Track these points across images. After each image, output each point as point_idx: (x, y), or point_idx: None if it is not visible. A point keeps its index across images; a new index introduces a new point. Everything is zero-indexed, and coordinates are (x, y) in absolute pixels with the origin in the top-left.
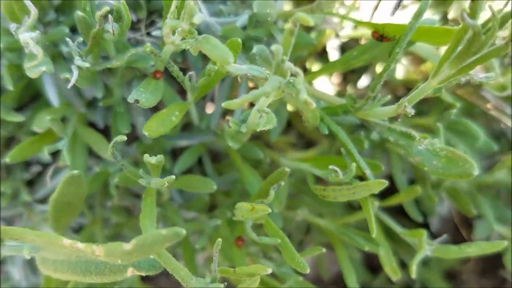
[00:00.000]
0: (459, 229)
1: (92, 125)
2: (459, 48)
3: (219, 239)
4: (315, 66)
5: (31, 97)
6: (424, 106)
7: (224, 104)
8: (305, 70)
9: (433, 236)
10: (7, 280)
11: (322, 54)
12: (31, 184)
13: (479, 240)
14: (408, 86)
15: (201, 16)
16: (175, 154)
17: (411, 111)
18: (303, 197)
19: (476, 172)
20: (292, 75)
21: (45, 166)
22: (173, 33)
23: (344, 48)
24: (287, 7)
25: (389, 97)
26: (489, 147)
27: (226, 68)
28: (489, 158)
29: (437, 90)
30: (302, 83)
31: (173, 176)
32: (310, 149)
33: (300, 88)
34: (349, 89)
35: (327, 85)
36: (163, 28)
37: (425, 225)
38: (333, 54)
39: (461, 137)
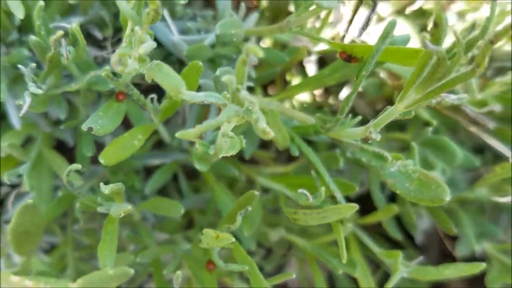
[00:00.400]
0: (444, 242)
1: (61, 142)
2: (425, 73)
3: (178, 272)
4: (295, 79)
5: None
6: (403, 120)
7: (178, 135)
8: (286, 83)
9: (418, 249)
10: None
11: (301, 66)
12: (0, 204)
13: (462, 255)
14: (387, 98)
15: (150, 44)
16: (149, 171)
17: (376, 137)
18: (283, 213)
19: (448, 197)
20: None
21: (14, 187)
22: (130, 57)
23: (323, 59)
24: (264, 24)
25: (359, 118)
26: (470, 162)
27: (181, 97)
28: (473, 170)
29: (406, 113)
30: (259, 112)
31: (129, 207)
32: (291, 162)
33: (257, 117)
34: (331, 100)
35: (307, 96)
36: (111, 57)
37: (411, 237)
38: (310, 68)
39: (439, 154)
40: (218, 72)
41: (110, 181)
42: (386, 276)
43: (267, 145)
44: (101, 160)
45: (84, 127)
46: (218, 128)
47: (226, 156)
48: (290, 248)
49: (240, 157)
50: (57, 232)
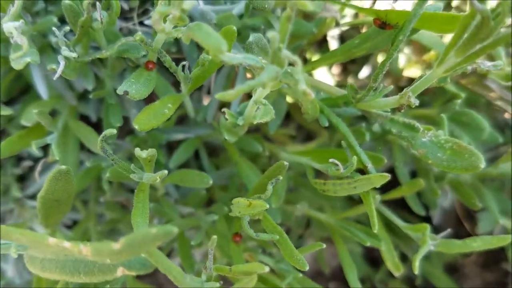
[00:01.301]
0: (462, 222)
1: (85, 118)
2: (466, 34)
3: (214, 236)
4: (315, 57)
5: (21, 90)
6: (426, 97)
7: (217, 96)
8: (305, 61)
9: (435, 229)
10: (0, 278)
11: (322, 44)
12: (22, 179)
13: (483, 233)
14: (410, 76)
15: (192, 2)
16: (171, 148)
17: (415, 102)
18: (303, 191)
19: (483, 165)
20: (290, 64)
21: (37, 160)
22: (164, 20)
23: (344, 38)
24: None
25: (391, 87)
26: (494, 138)
27: (220, 58)
28: (492, 150)
29: (442, 80)
30: (300, 73)
31: (166, 171)
32: (310, 141)
33: (298, 78)
34: (350, 80)
35: (327, 76)
36: (152, 15)
37: (427, 219)
38: (333, 44)
39: (465, 128)
40: (251, 38)
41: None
42: (402, 256)
43: (285, 126)
44: (135, 126)
45: (120, 90)
46: (247, 99)
47: (250, 132)
48: (307, 228)
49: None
50: (79, 208)
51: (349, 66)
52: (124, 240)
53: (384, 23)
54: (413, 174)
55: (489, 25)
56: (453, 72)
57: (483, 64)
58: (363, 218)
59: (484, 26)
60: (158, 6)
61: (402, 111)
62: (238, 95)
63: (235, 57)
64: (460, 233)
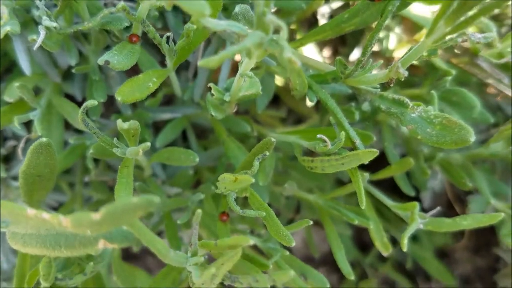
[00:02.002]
0: (453, 204)
1: (70, 97)
2: (455, 3)
3: (199, 211)
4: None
5: (6, 68)
6: (416, 78)
7: (200, 63)
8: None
9: (425, 212)
10: None
11: (311, 25)
12: (7, 160)
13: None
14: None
15: None
16: (157, 128)
17: (404, 73)
18: (291, 173)
19: (472, 138)
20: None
21: (21, 140)
22: None
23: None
24: None
25: (381, 62)
26: (485, 119)
27: (203, 23)
28: (483, 132)
29: (432, 52)
30: (285, 39)
31: (148, 144)
32: (300, 124)
33: (283, 45)
34: None
35: (317, 57)
36: None
37: (417, 200)
38: (323, 23)
39: (455, 107)
40: (237, 8)
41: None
42: (392, 240)
43: (275, 105)
44: (117, 97)
45: (101, 61)
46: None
47: (238, 112)
48: (297, 212)
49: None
50: (65, 189)
51: (340, 49)
52: (105, 210)
53: None
54: (403, 157)
55: None
56: (443, 44)
57: (474, 36)
58: (351, 201)
59: None
60: None
61: (392, 85)
62: (222, 61)
63: (219, 23)
64: (451, 216)
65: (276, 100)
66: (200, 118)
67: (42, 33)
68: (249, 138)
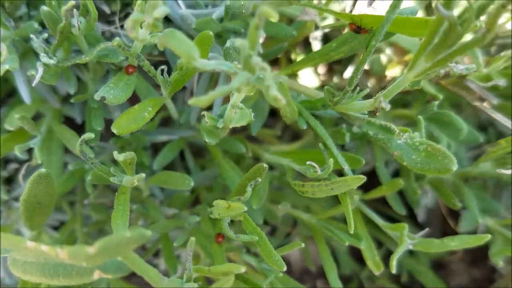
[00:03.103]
0: (447, 220)
1: (70, 120)
2: (435, 40)
3: (192, 238)
4: (300, 56)
5: (7, 93)
6: (408, 97)
7: (191, 101)
8: (290, 61)
9: (420, 226)
10: None
11: (307, 44)
12: (8, 182)
13: (464, 232)
14: (393, 76)
15: (164, 9)
16: (156, 149)
17: (386, 106)
18: (288, 190)
19: (455, 167)
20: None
21: (23, 163)
22: (141, 26)
23: (328, 37)
24: None
25: (367, 90)
26: (474, 138)
27: (193, 64)
28: (476, 148)
29: (415, 83)
30: (271, 79)
31: (143, 175)
32: (296, 141)
33: (269, 84)
34: (335, 80)
35: (311, 76)
36: (126, 22)
37: (413, 216)
38: (316, 45)
39: (444, 129)
40: (228, 43)
41: None
42: (388, 253)
43: (271, 125)
44: (114, 130)
45: (97, 96)
46: (227, 103)
47: (233, 133)
48: (295, 226)
49: (246, 136)
50: (65, 209)
51: (334, 66)
52: (99, 244)
53: (359, 27)
54: (397, 172)
55: (456, 31)
56: (425, 76)
57: (456, 67)
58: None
59: (451, 32)
60: (132, 14)
61: (378, 114)
62: (211, 100)
63: (208, 63)
64: (446, 230)
65: (273, 114)
66: (197, 138)
67: (40, 69)
68: (245, 158)
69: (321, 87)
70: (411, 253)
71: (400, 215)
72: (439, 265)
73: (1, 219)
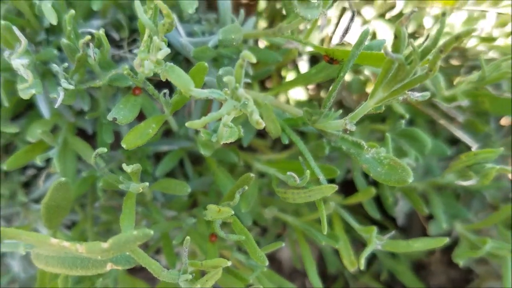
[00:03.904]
0: (423, 224)
1: (82, 131)
2: (389, 75)
3: (188, 237)
4: (290, 74)
5: (26, 106)
6: (384, 113)
7: (187, 124)
8: (281, 77)
9: (402, 230)
10: (7, 272)
11: (295, 63)
12: (27, 185)
13: (436, 235)
14: None
15: (165, 51)
16: (158, 157)
17: (351, 128)
18: (278, 196)
19: (410, 179)
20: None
21: (40, 169)
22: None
23: (315, 57)
24: (262, 23)
25: (340, 112)
26: (442, 151)
27: (189, 93)
28: (447, 159)
29: (378, 108)
30: (253, 106)
31: (147, 183)
32: (286, 150)
33: (252, 110)
34: (322, 94)
35: (300, 91)
36: (135, 61)
37: (395, 220)
38: (303, 65)
39: (412, 143)
40: (220, 71)
41: (126, 165)
42: (370, 255)
43: (264, 135)
44: (123, 145)
45: (110, 117)
46: (220, 119)
47: (227, 144)
48: (285, 228)
49: (239, 145)
50: (78, 211)
51: (322, 83)
52: (111, 240)
53: (332, 59)
54: (375, 182)
55: (404, 69)
56: (386, 103)
57: (413, 94)
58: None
59: (400, 70)
60: (139, 53)
61: (348, 132)
62: (204, 124)
63: (202, 92)
64: (426, 233)
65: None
66: (195, 148)
67: (61, 94)
68: (238, 167)
69: (309, 101)
70: (393, 255)
71: (384, 219)
72: (419, 266)
73: (20, 219)
